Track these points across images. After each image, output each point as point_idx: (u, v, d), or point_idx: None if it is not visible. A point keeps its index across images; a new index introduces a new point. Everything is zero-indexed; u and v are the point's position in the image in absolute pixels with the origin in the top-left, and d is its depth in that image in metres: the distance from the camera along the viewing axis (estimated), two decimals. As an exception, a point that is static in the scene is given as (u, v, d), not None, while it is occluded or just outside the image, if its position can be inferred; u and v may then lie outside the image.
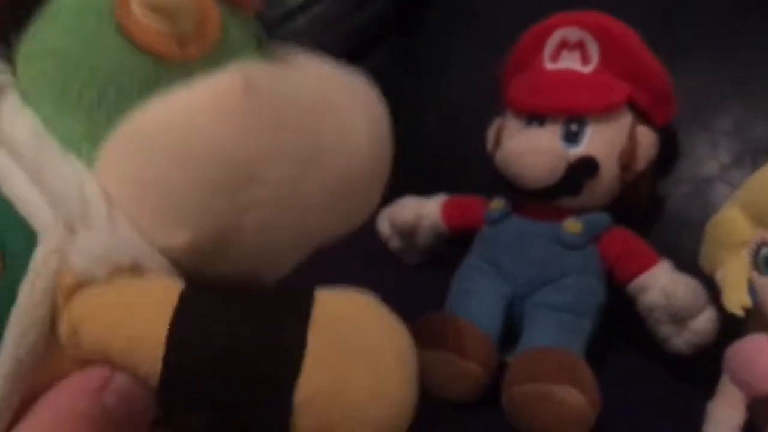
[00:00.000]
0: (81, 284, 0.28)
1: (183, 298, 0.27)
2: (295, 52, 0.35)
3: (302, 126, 0.30)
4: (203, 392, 0.27)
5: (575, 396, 0.42)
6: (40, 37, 0.30)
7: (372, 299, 0.29)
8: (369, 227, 0.64)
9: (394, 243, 0.62)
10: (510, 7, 0.75)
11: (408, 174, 0.77)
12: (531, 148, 0.50)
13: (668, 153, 0.59)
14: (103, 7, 0.29)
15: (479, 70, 0.73)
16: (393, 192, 0.63)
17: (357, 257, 0.62)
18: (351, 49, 0.86)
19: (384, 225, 0.62)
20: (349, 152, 0.32)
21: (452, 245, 0.63)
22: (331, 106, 0.32)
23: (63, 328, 0.28)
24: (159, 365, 0.27)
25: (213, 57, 0.30)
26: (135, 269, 0.29)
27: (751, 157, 0.57)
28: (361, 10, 0.85)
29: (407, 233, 0.60)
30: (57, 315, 0.28)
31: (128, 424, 0.28)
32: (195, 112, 0.28)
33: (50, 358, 0.28)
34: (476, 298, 0.51)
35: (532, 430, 0.44)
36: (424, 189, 0.63)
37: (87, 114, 0.29)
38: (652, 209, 0.59)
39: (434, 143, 0.75)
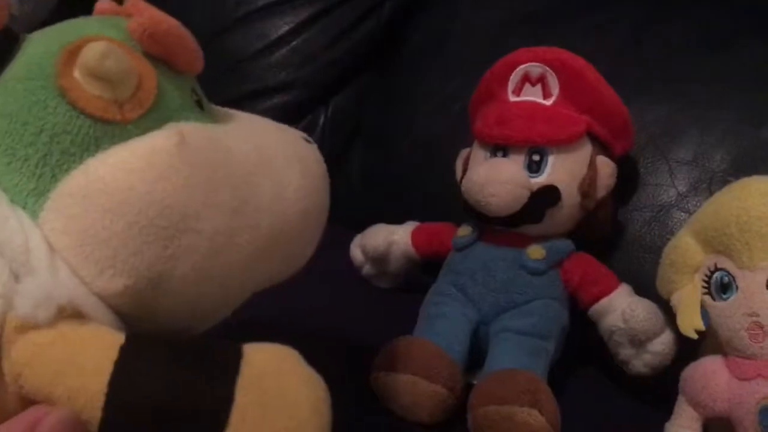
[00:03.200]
0: (25, 328, 0.29)
1: (122, 352, 0.29)
2: (234, 112, 0.38)
3: (236, 182, 0.33)
4: None
5: (536, 418, 0.44)
6: None
7: (293, 354, 0.32)
8: (344, 253, 0.65)
9: (367, 269, 0.64)
10: (478, 40, 0.78)
11: (385, 201, 0.79)
12: (495, 178, 0.52)
13: (628, 181, 0.61)
14: (49, 73, 0.32)
15: (450, 103, 0.76)
16: (371, 217, 0.66)
17: (330, 282, 0.64)
18: (328, 81, 0.89)
19: (356, 251, 0.63)
20: (282, 208, 0.35)
21: (424, 272, 0.64)
22: (267, 164, 0.35)
23: (6, 371, 0.29)
24: (98, 415, 0.29)
25: (149, 118, 0.32)
26: (76, 314, 0.30)
27: (707, 185, 0.60)
28: (339, 44, 0.87)
29: (379, 259, 0.62)
30: (1, 356, 0.29)
31: None
32: (130, 170, 0.31)
33: None
34: (444, 323, 0.52)
35: (496, 450, 0.45)
36: (401, 216, 0.65)
37: (33, 172, 0.31)
38: (612, 235, 0.61)
39: (407, 172, 0.77)
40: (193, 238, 0.31)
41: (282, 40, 0.86)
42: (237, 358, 0.30)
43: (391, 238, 0.61)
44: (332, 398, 0.49)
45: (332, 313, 0.58)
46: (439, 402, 0.48)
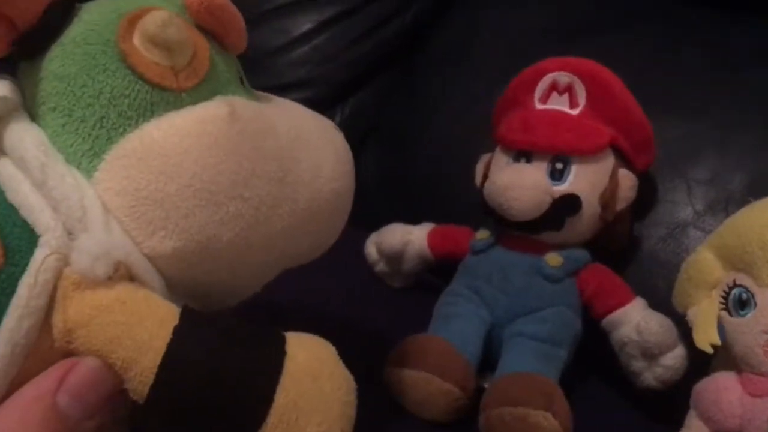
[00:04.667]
0: (83, 284, 0.30)
1: (175, 333, 0.30)
2: (271, 96, 0.39)
3: (280, 154, 0.34)
4: (180, 418, 0.30)
5: (550, 421, 0.44)
6: (48, 63, 0.33)
7: (331, 354, 0.34)
8: (357, 251, 0.66)
9: (381, 267, 0.64)
10: (503, 48, 0.78)
11: (399, 201, 0.79)
12: (518, 183, 0.52)
13: (646, 197, 0.62)
14: (108, 39, 0.32)
15: (471, 107, 0.77)
16: (384, 217, 0.66)
17: (344, 279, 0.64)
18: (347, 80, 0.89)
19: (371, 249, 0.64)
20: (319, 184, 0.36)
21: (435, 275, 0.65)
22: (305, 142, 0.36)
23: (58, 326, 0.30)
24: (145, 390, 0.30)
25: (202, 89, 0.33)
26: (128, 275, 0.31)
27: (724, 205, 0.60)
28: (361, 44, 0.88)
29: (394, 258, 0.62)
30: (53, 309, 0.30)
31: (86, 420, 0.30)
32: (185, 134, 0.32)
33: (41, 347, 0.30)
34: (458, 323, 0.53)
35: (507, 452, 0.45)
36: (414, 217, 0.65)
37: (89, 133, 0.32)
38: (628, 249, 0.61)
39: (425, 174, 0.77)
40: (240, 205, 0.32)
41: (304, 38, 0.86)
42: (281, 353, 0.32)
43: (407, 238, 0.61)
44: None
45: (345, 309, 0.58)
46: (452, 401, 0.48)
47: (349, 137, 0.86)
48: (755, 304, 0.45)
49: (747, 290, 0.45)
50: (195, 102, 0.33)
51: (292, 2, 0.88)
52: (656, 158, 0.61)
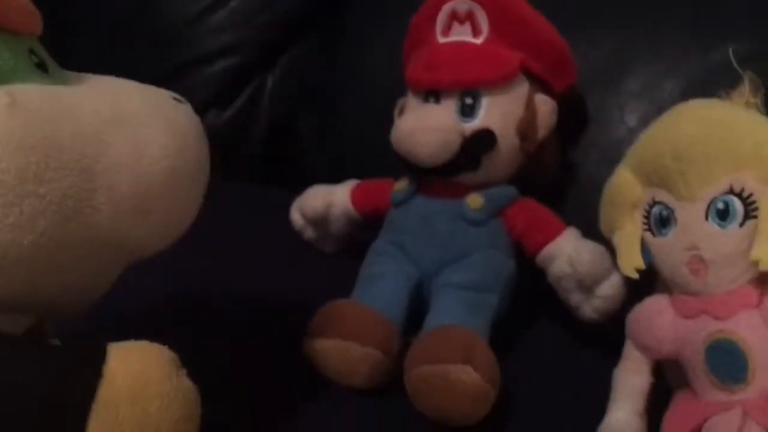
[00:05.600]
0: None
1: None
2: (92, 76, 0.36)
3: (83, 141, 0.31)
4: None
5: (470, 374, 0.42)
6: None
7: (159, 366, 0.31)
8: (285, 218, 0.63)
9: (309, 233, 0.61)
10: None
11: (335, 164, 0.76)
12: (422, 126, 0.49)
13: (575, 119, 0.58)
14: None
15: (398, 58, 0.73)
16: (322, 182, 0.63)
17: (274, 247, 0.62)
18: (275, 41, 0.85)
19: (296, 216, 0.61)
20: (144, 167, 0.33)
21: (376, 230, 0.62)
22: (122, 121, 0.33)
23: None
24: None
25: None
26: None
27: (657, 117, 0.56)
28: (280, 3, 0.83)
29: (319, 222, 0.59)
30: None
31: None
32: None
33: None
34: (380, 283, 0.50)
35: (432, 411, 0.43)
36: (347, 176, 0.62)
37: None
38: (563, 177, 0.58)
39: (355, 132, 0.74)
40: (36, 203, 0.29)
41: (219, 2, 0.82)
42: (96, 377, 0.29)
43: (330, 199, 0.58)
44: (268, 367, 0.48)
45: (271, 279, 0.56)
46: (374, 365, 0.45)
47: (285, 102, 0.84)
48: (676, 221, 0.42)
49: (666, 206, 0.42)
50: None
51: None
52: (584, 76, 0.57)
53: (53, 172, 0.29)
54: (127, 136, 0.32)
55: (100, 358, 0.30)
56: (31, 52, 0.33)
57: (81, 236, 0.31)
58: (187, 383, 0.32)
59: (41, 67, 0.33)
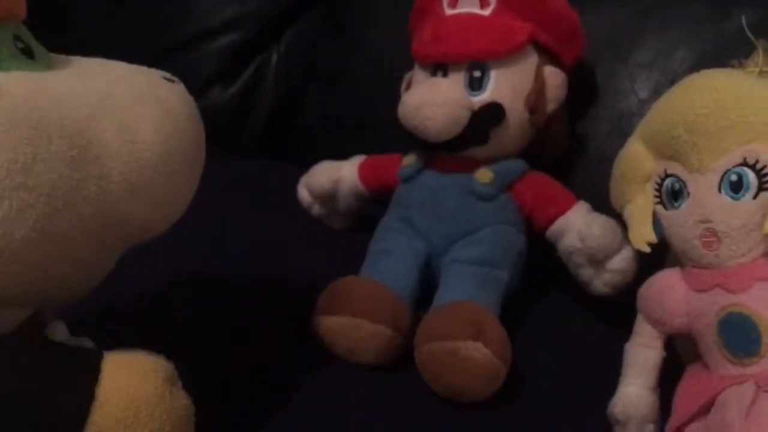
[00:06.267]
0: None
1: None
2: (78, 59, 0.35)
3: (71, 130, 0.30)
4: None
5: (481, 350, 0.41)
6: None
7: (153, 384, 0.31)
8: (291, 195, 0.62)
9: (316, 209, 0.60)
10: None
11: (342, 140, 0.76)
12: (429, 100, 0.48)
13: (586, 91, 0.57)
14: None
15: (404, 31, 0.71)
16: (329, 158, 0.63)
17: (281, 224, 0.61)
18: (279, 15, 0.84)
19: (303, 192, 0.60)
20: (135, 153, 0.32)
21: (384, 206, 0.61)
22: (110, 107, 0.32)
23: None
24: None
25: None
26: None
27: (668, 88, 0.55)
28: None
29: (327, 198, 0.59)
30: None
31: None
32: None
33: None
34: (389, 259, 0.50)
35: (443, 387, 0.43)
36: (353, 151, 0.62)
37: None
38: (573, 150, 0.57)
39: (361, 106, 0.73)
40: (25, 197, 0.28)
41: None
42: (89, 399, 0.29)
43: (337, 175, 0.58)
44: (277, 344, 0.47)
45: (279, 256, 0.56)
46: (385, 342, 0.45)
47: (291, 77, 0.83)
48: (688, 194, 0.41)
49: (679, 179, 0.41)
50: None
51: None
52: (593, 46, 0.56)
53: (42, 163, 0.29)
54: (117, 122, 0.32)
55: (93, 377, 0.30)
56: (16, 38, 0.31)
57: (74, 226, 0.30)
58: (180, 401, 0.32)
59: (26, 52, 0.32)
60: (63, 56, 0.35)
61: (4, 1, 0.31)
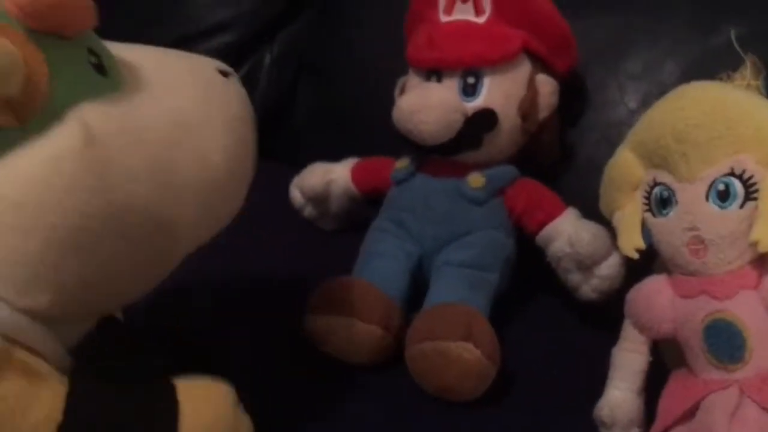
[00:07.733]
0: None
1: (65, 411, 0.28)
2: (137, 59, 0.33)
3: (155, 162, 0.30)
4: None
5: (471, 351, 0.42)
6: None
7: (226, 407, 0.32)
8: (283, 196, 0.63)
9: (308, 211, 0.61)
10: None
11: (332, 140, 0.76)
12: (424, 105, 0.49)
13: (576, 101, 0.58)
14: None
15: (397, 34, 0.72)
16: (321, 158, 0.63)
17: (272, 225, 0.62)
18: (271, 16, 0.84)
19: (295, 193, 0.61)
20: (209, 175, 0.32)
21: (376, 206, 0.62)
22: (185, 130, 0.31)
23: None
24: None
25: (45, 110, 0.28)
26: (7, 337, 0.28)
27: (657, 99, 0.56)
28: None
29: (319, 200, 0.59)
30: None
31: None
32: (35, 181, 0.27)
33: None
34: (380, 261, 0.50)
35: (433, 386, 0.43)
36: (347, 155, 0.62)
37: None
38: (563, 158, 0.58)
39: (353, 109, 0.74)
40: (117, 243, 0.28)
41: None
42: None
43: (329, 177, 0.58)
44: (268, 344, 0.48)
45: (270, 256, 0.56)
46: (376, 342, 0.46)
47: (282, 79, 0.84)
48: (676, 202, 0.42)
49: (667, 187, 0.42)
50: (40, 129, 0.27)
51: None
52: (585, 57, 0.57)
53: (132, 208, 0.29)
54: (191, 149, 0.32)
55: (174, 412, 0.30)
56: (90, 51, 0.30)
57: (153, 253, 0.31)
58: (246, 421, 0.33)
59: (99, 68, 0.30)
60: (120, 60, 0.33)
61: (76, 20, 0.29)
